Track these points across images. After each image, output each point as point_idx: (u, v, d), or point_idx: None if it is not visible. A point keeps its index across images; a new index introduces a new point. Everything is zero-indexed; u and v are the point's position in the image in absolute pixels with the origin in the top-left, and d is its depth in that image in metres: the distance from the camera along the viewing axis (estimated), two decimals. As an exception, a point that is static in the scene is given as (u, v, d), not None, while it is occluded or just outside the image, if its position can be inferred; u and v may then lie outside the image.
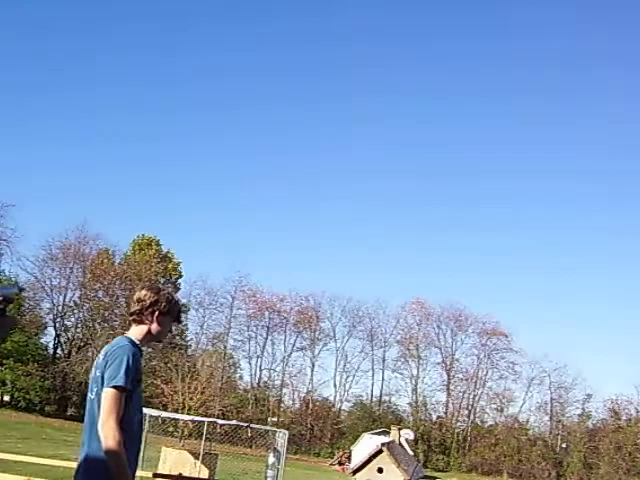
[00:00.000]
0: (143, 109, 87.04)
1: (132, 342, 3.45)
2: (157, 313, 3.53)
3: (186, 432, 34.39)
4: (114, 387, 3.22)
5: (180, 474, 15.45)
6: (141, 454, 16.64)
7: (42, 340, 54.26)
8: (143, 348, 3.55)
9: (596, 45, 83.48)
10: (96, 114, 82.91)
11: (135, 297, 3.61)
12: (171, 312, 3.59)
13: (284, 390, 65.04)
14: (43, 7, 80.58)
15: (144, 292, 3.59)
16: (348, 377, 66.02)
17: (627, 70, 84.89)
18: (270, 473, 19.15)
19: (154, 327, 3.53)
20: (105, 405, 3.23)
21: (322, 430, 61.22)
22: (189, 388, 42.88)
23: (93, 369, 3.41)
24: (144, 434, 17.62)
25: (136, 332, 3.52)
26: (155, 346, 56.50)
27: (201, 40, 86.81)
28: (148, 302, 3.53)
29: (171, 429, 35.50)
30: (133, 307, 3.58)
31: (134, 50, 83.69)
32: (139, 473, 13.42)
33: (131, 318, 3.58)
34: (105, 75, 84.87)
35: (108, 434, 3.15)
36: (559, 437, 63.17)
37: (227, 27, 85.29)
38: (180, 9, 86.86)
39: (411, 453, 42.82)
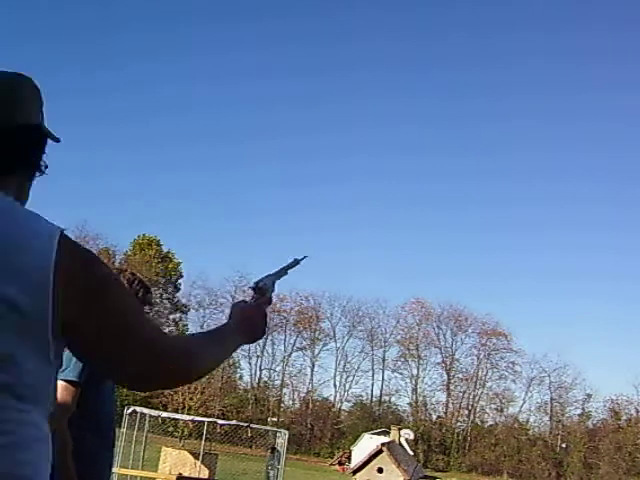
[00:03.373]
0: (143, 112, 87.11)
1: None
2: None
3: (186, 432, 34.43)
4: (63, 380, 2.92)
5: (180, 474, 15.47)
6: (141, 454, 16.67)
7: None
8: None
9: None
10: (96, 115, 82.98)
11: None
12: (140, 297, 3.26)
13: (284, 390, 65.18)
14: (42, 11, 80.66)
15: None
16: (348, 377, 66.19)
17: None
18: (270, 473, 19.16)
19: None
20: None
21: (322, 430, 61.23)
22: (189, 388, 42.90)
23: None
24: (144, 434, 17.65)
25: None
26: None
27: (201, 41, 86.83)
28: None
29: (171, 429, 35.54)
30: None
31: (134, 53, 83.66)
32: (139, 473, 13.45)
33: None
34: (105, 77, 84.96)
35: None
36: (559, 437, 63.18)
37: (228, 27, 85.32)
38: (177, 9, 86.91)
39: (411, 453, 42.81)
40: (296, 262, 1.93)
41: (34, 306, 1.07)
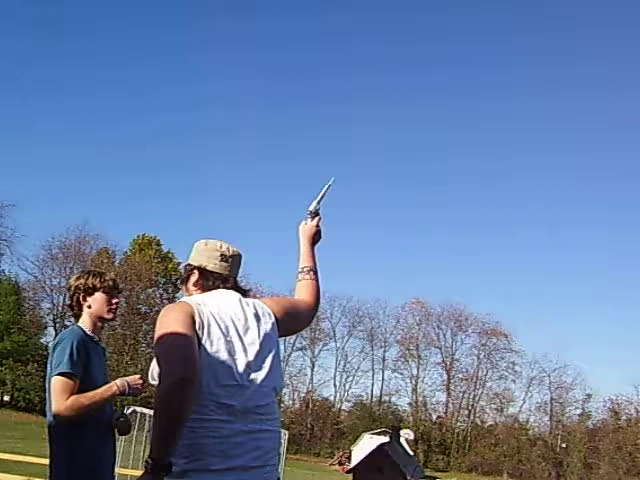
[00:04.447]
0: (143, 111, 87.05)
1: (81, 329, 3.31)
2: (83, 295, 3.37)
3: (186, 432, 34.40)
4: (60, 374, 3.08)
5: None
6: (141, 454, 16.65)
7: (42, 340, 54.15)
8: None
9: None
10: (97, 116, 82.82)
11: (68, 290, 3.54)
12: (99, 287, 3.39)
13: (284, 390, 65.06)
14: (48, 7, 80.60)
15: (69, 282, 3.48)
16: (348, 377, 66.04)
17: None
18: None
19: (91, 310, 3.37)
20: (54, 393, 3.08)
21: (322, 430, 61.22)
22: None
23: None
24: (144, 434, 17.63)
25: (82, 322, 3.37)
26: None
27: (201, 41, 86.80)
28: (73, 289, 3.40)
29: (171, 429, 35.49)
30: (68, 301, 3.48)
31: (134, 53, 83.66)
32: (140, 473, 13.44)
33: (71, 313, 3.45)
34: (105, 76, 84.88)
35: (65, 411, 3.04)
36: (559, 437, 63.14)
37: (228, 27, 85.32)
38: (177, 9, 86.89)
39: (411, 453, 42.80)
40: (329, 186, 2.77)
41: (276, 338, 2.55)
